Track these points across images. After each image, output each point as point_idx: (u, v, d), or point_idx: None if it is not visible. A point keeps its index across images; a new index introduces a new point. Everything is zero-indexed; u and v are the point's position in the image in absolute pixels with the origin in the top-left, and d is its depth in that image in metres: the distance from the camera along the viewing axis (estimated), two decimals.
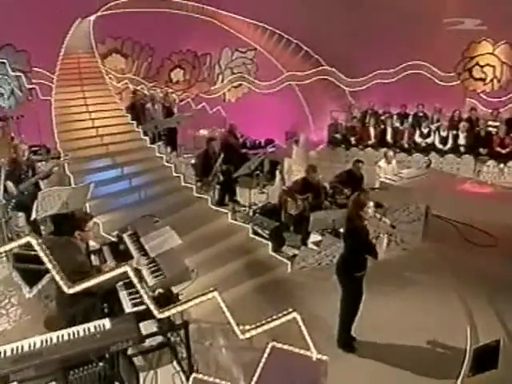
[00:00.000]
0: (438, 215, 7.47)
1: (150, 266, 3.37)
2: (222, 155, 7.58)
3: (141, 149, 7.11)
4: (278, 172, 8.25)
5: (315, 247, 6.20)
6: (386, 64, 11.12)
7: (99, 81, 8.18)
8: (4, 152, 6.19)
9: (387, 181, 7.66)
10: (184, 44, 11.57)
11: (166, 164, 7.02)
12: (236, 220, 6.86)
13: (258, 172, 8.35)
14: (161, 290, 3.05)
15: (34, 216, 4.81)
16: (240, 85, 12.55)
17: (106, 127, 7.16)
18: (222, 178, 7.55)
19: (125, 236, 4.01)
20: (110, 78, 9.32)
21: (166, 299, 3.02)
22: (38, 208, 4.73)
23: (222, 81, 12.31)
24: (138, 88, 10.20)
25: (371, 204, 3.81)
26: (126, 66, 11.14)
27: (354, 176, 7.06)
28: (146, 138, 7.32)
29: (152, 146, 7.22)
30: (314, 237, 6.48)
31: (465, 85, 10.86)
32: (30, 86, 8.41)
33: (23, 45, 8.67)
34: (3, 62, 8.41)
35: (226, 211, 6.58)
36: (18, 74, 8.59)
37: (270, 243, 6.10)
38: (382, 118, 11.30)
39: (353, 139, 11.15)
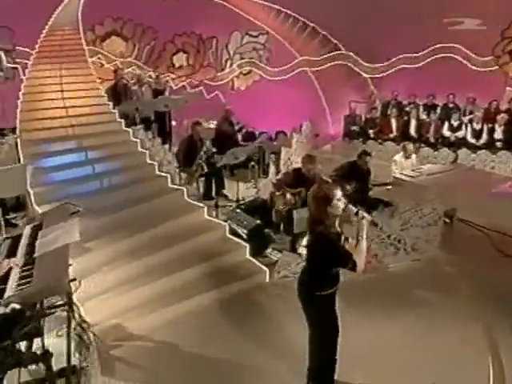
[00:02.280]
0: (464, 220, 6.21)
1: (24, 269, 2.45)
2: (208, 142, 6.64)
3: (112, 132, 6.25)
4: (271, 163, 7.18)
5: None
6: (412, 47, 9.80)
7: (80, 59, 7.42)
8: None
9: (402, 177, 6.46)
10: (189, 26, 10.70)
11: (141, 150, 6.13)
12: (217, 216, 5.88)
13: (253, 163, 7.35)
14: (16, 306, 2.12)
15: None
16: (250, 72, 11.55)
17: (78, 108, 6.35)
18: (206, 168, 6.60)
19: (27, 228, 3.11)
20: (99, 58, 8.61)
21: (18, 320, 2.08)
22: None
23: (231, 67, 11.35)
24: (129, 69, 9.40)
25: (339, 194, 2.70)
26: (126, 49, 10.39)
27: (358, 170, 5.89)
28: (122, 120, 6.46)
29: (127, 129, 6.36)
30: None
31: (504, 70, 9.36)
32: (12, 65, 7.78)
33: (6, 21, 8.06)
34: None
35: (202, 205, 5.60)
36: None
37: (247, 245, 5.07)
38: (407, 108, 10.01)
39: (371, 132, 9.96)
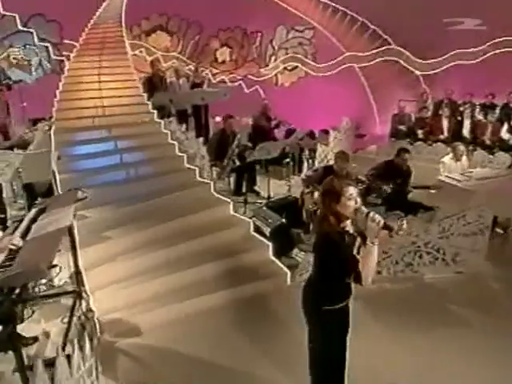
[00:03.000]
0: None
1: (11, 252, 2.35)
2: (239, 135, 6.43)
3: (144, 123, 6.22)
4: (304, 159, 6.84)
5: None
6: (469, 41, 9.02)
7: (120, 51, 7.49)
8: None
9: (448, 180, 5.89)
10: (233, 21, 10.58)
11: (171, 142, 6.04)
12: (245, 213, 5.68)
13: (288, 160, 7.07)
14: None
15: None
16: (295, 68, 11.23)
17: (112, 98, 6.39)
18: (238, 162, 6.40)
19: (32, 211, 3.06)
20: (141, 52, 8.70)
21: None
22: None
23: (275, 62, 11.11)
24: (169, 63, 9.40)
25: (353, 192, 2.29)
26: (171, 44, 10.46)
27: (396, 169, 5.42)
28: (154, 111, 6.41)
29: (158, 120, 6.29)
30: None
31: None
32: (59, 58, 8.03)
33: (55, 15, 8.36)
34: (31, 32, 8.16)
35: (228, 201, 5.39)
36: (46, 44, 8.33)
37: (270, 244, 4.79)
38: (461, 108, 9.24)
39: (420, 132, 9.30)
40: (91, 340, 3.07)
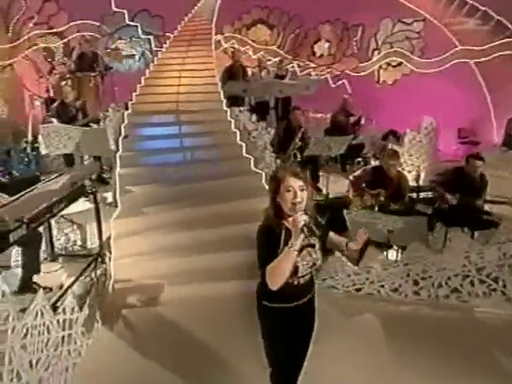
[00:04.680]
0: None
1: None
2: (303, 129, 6.20)
3: (211, 111, 6.37)
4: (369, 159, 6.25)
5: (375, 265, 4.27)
6: None
7: (206, 42, 7.82)
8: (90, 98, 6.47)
9: None
10: (335, 13, 10.16)
11: (233, 130, 6.08)
12: None
13: (359, 159, 6.59)
14: None
15: (43, 151, 4.71)
16: (400, 64, 10.34)
17: (188, 86, 6.69)
18: (299, 156, 6.18)
19: (52, 176, 3.39)
20: (233, 43, 8.98)
21: None
22: (46, 143, 4.60)
23: (376, 57, 10.38)
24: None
25: (294, 185, 2.02)
26: (270, 37, 10.53)
27: (467, 178, 4.59)
28: (223, 100, 6.51)
29: (225, 108, 6.38)
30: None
31: None
32: (160, 49, 8.72)
33: (159, 10, 9.12)
34: (136, 26, 9.06)
35: None
36: (149, 37, 9.15)
37: None
38: None
39: None
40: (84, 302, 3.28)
